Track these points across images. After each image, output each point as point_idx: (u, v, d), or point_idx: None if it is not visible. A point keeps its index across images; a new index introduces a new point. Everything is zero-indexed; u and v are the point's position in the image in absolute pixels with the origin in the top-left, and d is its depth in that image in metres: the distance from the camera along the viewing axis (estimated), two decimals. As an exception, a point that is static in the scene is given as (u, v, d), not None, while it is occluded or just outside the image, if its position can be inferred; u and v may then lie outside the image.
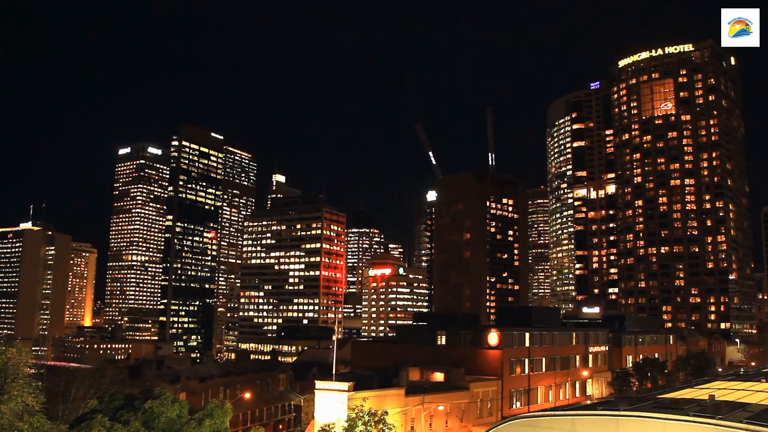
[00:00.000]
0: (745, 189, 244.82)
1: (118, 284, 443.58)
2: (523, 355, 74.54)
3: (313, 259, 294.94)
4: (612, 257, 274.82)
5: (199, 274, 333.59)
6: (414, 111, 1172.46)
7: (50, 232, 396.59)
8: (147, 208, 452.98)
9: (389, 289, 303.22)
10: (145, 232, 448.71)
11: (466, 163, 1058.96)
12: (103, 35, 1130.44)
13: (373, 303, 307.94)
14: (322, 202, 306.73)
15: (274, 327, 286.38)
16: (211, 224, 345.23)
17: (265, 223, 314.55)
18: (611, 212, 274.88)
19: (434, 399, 59.58)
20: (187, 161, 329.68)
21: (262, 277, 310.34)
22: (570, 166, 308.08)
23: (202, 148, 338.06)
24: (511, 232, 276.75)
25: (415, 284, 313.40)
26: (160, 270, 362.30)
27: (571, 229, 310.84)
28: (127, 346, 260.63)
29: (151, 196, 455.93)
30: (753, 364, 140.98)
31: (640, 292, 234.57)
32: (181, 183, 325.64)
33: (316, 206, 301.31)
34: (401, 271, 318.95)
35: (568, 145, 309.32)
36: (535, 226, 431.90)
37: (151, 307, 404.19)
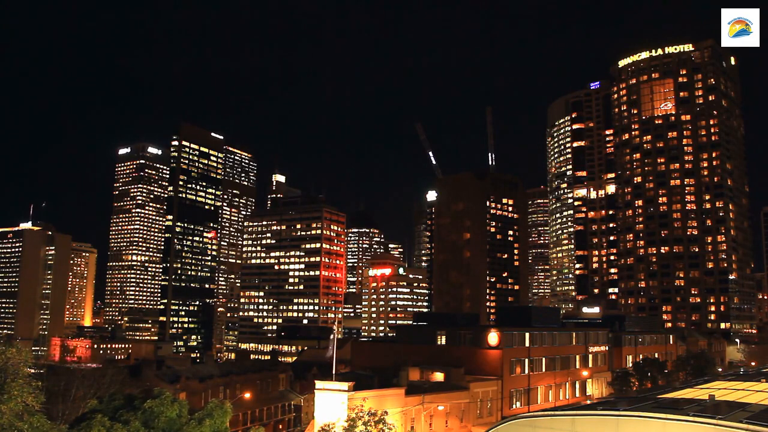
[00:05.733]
0: (745, 189, 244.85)
1: (118, 284, 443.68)
2: (523, 355, 74.53)
3: (313, 259, 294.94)
4: (612, 257, 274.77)
5: (199, 274, 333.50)
6: (414, 111, 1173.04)
7: (50, 232, 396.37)
8: (147, 208, 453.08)
9: (389, 289, 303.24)
10: (145, 232, 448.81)
11: (466, 163, 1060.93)
12: (104, 35, 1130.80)
13: (373, 303, 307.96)
14: (322, 202, 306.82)
15: (274, 327, 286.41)
16: (211, 224, 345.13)
17: (265, 223, 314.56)
18: (611, 212, 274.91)
19: (434, 399, 59.57)
20: (187, 161, 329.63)
21: (262, 277, 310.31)
22: (570, 166, 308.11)
23: (202, 148, 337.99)
24: (511, 232, 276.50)
25: (415, 284, 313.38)
26: (160, 270, 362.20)
27: (571, 229, 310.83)
28: (127, 346, 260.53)
29: (151, 196, 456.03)
30: (753, 364, 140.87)
31: (640, 292, 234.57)
32: (181, 183, 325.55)
33: (316, 206, 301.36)
34: (401, 271, 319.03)
35: (568, 145, 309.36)
36: (535, 226, 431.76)
37: (151, 307, 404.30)
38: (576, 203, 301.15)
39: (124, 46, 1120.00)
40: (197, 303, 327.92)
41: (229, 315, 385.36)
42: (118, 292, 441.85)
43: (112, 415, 33.10)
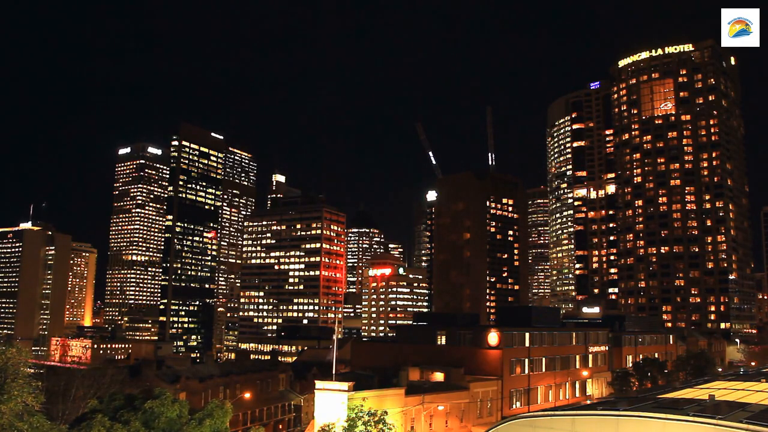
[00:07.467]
0: (745, 189, 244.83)
1: (118, 284, 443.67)
2: (523, 355, 74.52)
3: (313, 259, 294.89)
4: (612, 257, 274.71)
5: (199, 274, 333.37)
6: (414, 111, 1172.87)
7: (50, 232, 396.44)
8: (147, 208, 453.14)
9: (389, 289, 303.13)
10: (145, 232, 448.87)
11: (466, 163, 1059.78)
12: (104, 35, 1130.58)
13: (373, 303, 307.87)
14: (322, 202, 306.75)
15: (274, 327, 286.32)
16: (211, 224, 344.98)
17: (265, 223, 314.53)
18: (611, 212, 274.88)
19: (434, 399, 59.57)
20: (187, 161, 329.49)
21: (262, 277, 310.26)
22: (570, 166, 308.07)
23: (202, 148, 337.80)
24: (511, 232, 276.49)
25: (415, 284, 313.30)
26: (160, 270, 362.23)
27: (571, 229, 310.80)
28: (127, 346, 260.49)
29: (151, 196, 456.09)
30: (753, 364, 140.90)
31: (640, 292, 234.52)
32: (181, 183, 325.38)
33: (316, 206, 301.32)
34: (401, 271, 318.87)
35: (568, 145, 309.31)
36: (535, 226, 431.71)
37: (151, 306, 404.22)
38: (576, 203, 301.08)
39: (124, 46, 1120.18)
40: (197, 303, 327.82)
41: (229, 315, 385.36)
42: (118, 292, 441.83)
43: (112, 415, 33.12)
